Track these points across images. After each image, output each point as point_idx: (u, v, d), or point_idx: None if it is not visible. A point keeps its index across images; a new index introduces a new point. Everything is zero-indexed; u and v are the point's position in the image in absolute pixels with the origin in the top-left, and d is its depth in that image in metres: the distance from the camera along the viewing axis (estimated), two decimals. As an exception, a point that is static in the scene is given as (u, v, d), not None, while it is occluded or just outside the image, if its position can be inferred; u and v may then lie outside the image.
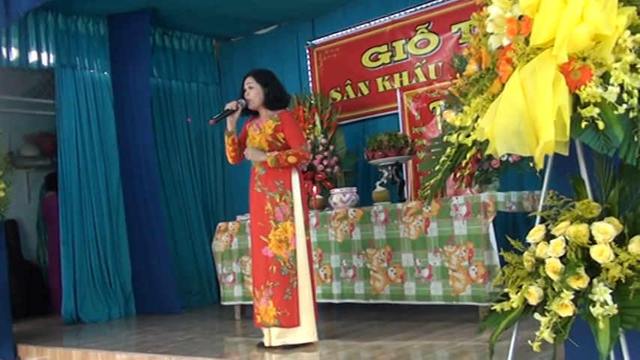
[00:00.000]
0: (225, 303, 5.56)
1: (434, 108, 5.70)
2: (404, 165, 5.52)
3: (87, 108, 6.49)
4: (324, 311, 5.29)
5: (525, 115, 1.99)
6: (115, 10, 6.48)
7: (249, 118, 4.24)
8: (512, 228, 4.98)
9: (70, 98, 6.41)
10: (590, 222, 2.03)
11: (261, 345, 4.10)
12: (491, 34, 2.25)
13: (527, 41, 2.09)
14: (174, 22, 6.96)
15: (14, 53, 6.14)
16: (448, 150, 2.34)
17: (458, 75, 2.47)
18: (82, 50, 6.53)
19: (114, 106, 6.66)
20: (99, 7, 6.38)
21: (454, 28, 5.73)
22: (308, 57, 6.81)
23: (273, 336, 4.01)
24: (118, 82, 6.67)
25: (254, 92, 4.11)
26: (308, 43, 6.79)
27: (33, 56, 6.25)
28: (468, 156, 2.26)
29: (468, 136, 2.26)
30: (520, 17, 2.12)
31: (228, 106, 4.09)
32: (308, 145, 4.10)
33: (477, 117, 2.24)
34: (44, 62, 6.33)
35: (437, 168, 2.36)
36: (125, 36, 6.60)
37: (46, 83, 7.52)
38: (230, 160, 4.26)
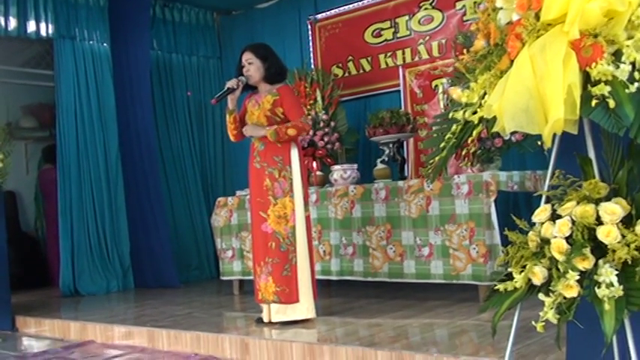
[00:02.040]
0: (224, 278, 5.56)
1: (436, 86, 5.65)
2: (405, 143, 5.48)
3: (86, 79, 6.43)
4: (323, 288, 5.28)
5: (534, 93, 1.95)
6: (115, -20, 6.41)
7: (247, 94, 4.18)
8: (512, 208, 4.95)
9: (68, 69, 6.35)
10: (597, 202, 1.99)
11: (260, 320, 4.10)
12: (501, 8, 2.20)
13: (537, 16, 2.04)
14: (175, -6, 6.89)
15: (12, 23, 6.06)
16: (454, 127, 2.30)
17: (465, 51, 2.41)
18: (82, 21, 6.45)
19: (113, 78, 6.60)
20: (99, -23, 6.31)
21: (458, 5, 5.67)
22: (310, 32, 6.75)
23: (273, 312, 4.01)
24: (118, 54, 6.61)
25: (254, 67, 4.05)
26: (310, 17, 6.72)
27: (31, 26, 6.17)
28: (474, 133, 2.22)
29: (475, 113, 2.22)
30: (531, -8, 2.07)
31: (228, 85, 4.03)
32: (308, 118, 4.04)
33: (484, 94, 2.19)
34: (43, 32, 6.25)
35: (442, 145, 2.32)
36: (125, 7, 6.53)
37: (45, 54, 7.44)
38: (232, 138, 4.22)
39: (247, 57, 4.07)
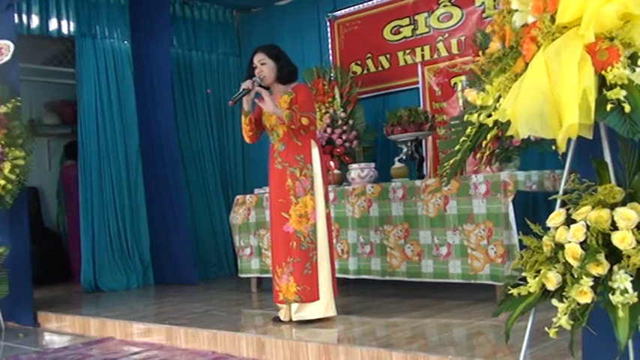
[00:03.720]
0: (243, 275, 5.58)
1: (455, 83, 5.62)
2: (424, 141, 5.46)
3: (107, 77, 6.49)
4: (341, 286, 5.24)
5: (549, 97, 1.93)
6: (135, -21, 6.45)
7: (261, 96, 4.18)
8: (532, 207, 4.93)
9: (90, 67, 6.40)
10: (612, 207, 1.98)
11: (277, 319, 4.11)
12: (516, 10, 2.19)
13: (553, 19, 2.03)
14: (195, -8, 6.92)
15: (35, 21, 6.13)
16: (468, 129, 2.29)
17: (480, 52, 2.40)
18: (103, 19, 6.50)
19: (134, 75, 6.65)
20: (119, -24, 6.36)
21: (478, 2, 5.62)
22: (329, 29, 6.73)
23: (293, 310, 4.01)
24: (138, 51, 6.66)
25: (267, 68, 4.05)
26: (329, 14, 6.70)
27: (53, 24, 6.24)
28: (489, 136, 2.21)
29: (490, 115, 2.21)
30: (546, -6, 2.06)
31: (244, 86, 4.03)
32: (314, 114, 4.05)
33: (499, 96, 2.18)
34: (64, 30, 6.32)
35: (456, 148, 2.32)
36: (146, 5, 6.57)
37: (67, 52, 7.53)
38: (247, 140, 4.22)
39: (260, 58, 4.07)
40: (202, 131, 7.13)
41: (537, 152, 4.65)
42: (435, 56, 5.95)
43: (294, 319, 4.00)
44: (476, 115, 2.26)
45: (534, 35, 2.06)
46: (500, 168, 4.38)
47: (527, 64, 2.07)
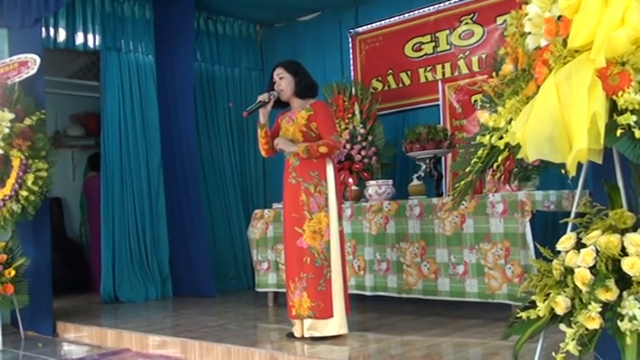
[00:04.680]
0: (260, 290, 5.60)
1: (475, 101, 5.60)
2: (442, 158, 5.45)
3: (130, 90, 6.58)
4: (357, 302, 5.28)
5: (559, 121, 1.93)
6: (160, -6, 6.55)
7: (280, 112, 4.22)
8: (551, 227, 4.87)
9: (114, 80, 6.50)
10: (622, 232, 1.96)
11: (291, 335, 4.11)
12: (529, 33, 2.19)
13: (565, 43, 2.03)
14: (219, 7, 7.00)
15: (62, 35, 6.24)
16: (480, 151, 2.29)
17: (494, 74, 2.40)
18: (128, 33, 6.61)
19: (157, 89, 6.74)
20: (145, -9, 6.47)
21: (499, 20, 5.62)
22: (350, 45, 6.76)
23: (306, 327, 4.01)
24: (162, 65, 6.74)
25: (285, 82, 4.09)
26: (351, 31, 6.74)
27: (79, 38, 6.35)
28: (500, 159, 2.20)
29: (501, 138, 2.21)
30: (559, 18, 2.06)
31: (260, 98, 4.07)
32: (339, 136, 4.06)
33: (511, 119, 2.18)
34: (90, 44, 6.42)
35: (468, 169, 2.32)
36: (170, 20, 6.66)
37: (92, 65, 7.66)
38: (263, 153, 4.25)
39: (278, 72, 4.11)
40: (223, 145, 7.18)
41: (557, 172, 4.60)
42: (456, 73, 5.95)
43: (306, 335, 4.00)
44: (488, 136, 2.26)
45: (546, 58, 2.06)
46: (519, 187, 4.36)
47: (538, 87, 2.07)
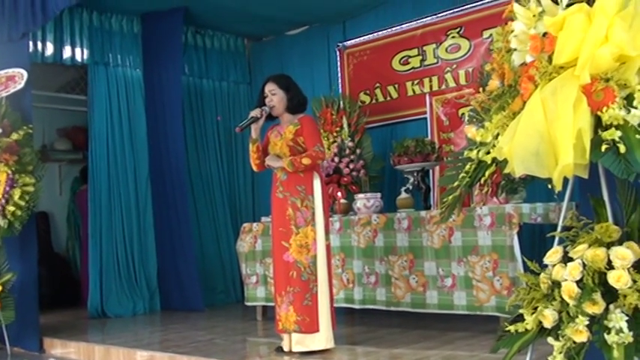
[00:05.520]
0: (249, 304, 5.58)
1: (463, 114, 5.64)
2: (430, 171, 5.48)
3: (118, 104, 6.56)
4: (346, 316, 5.28)
5: (545, 136, 1.95)
6: (148, 8, 6.54)
7: (270, 126, 4.24)
8: (538, 239, 4.92)
9: (102, 94, 6.48)
10: (608, 246, 1.98)
11: (280, 349, 4.11)
12: (515, 50, 2.22)
13: (550, 59, 2.05)
14: (207, 21, 7.01)
15: (49, 49, 6.22)
16: (467, 166, 2.31)
17: (480, 89, 2.43)
18: (115, 47, 6.60)
19: (145, 103, 6.73)
20: (133, 6, 6.46)
21: (485, 34, 5.67)
22: (338, 59, 6.80)
23: (293, 342, 4.01)
24: (150, 79, 6.74)
25: (277, 98, 4.10)
26: (339, 44, 6.78)
27: (67, 52, 6.33)
28: (487, 173, 2.22)
29: (488, 152, 2.23)
30: (544, 34, 2.09)
31: (252, 114, 4.08)
32: (322, 146, 4.07)
33: (498, 134, 2.20)
34: (78, 58, 6.40)
35: (456, 184, 2.34)
36: (158, 34, 6.66)
37: (79, 79, 7.64)
38: (255, 168, 4.26)
39: (270, 88, 4.12)
40: (212, 159, 7.18)
41: (544, 184, 4.63)
42: (443, 87, 6.00)
43: (293, 349, 4.00)
44: (475, 151, 2.29)
45: (532, 74, 2.08)
46: (506, 200, 4.39)
47: (524, 103, 2.09)
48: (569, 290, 1.96)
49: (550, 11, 2.05)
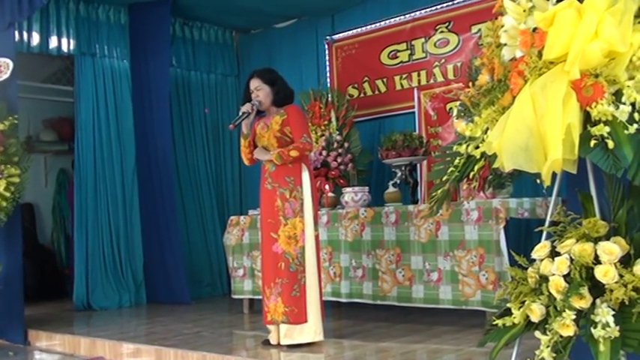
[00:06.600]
0: (235, 296, 5.58)
1: (451, 109, 5.66)
2: (418, 166, 5.49)
3: (105, 95, 6.52)
4: (333, 309, 5.29)
5: (534, 131, 1.96)
6: (136, -1, 6.51)
7: (256, 118, 4.23)
8: (525, 234, 4.93)
9: (88, 85, 6.44)
10: (596, 241, 2.00)
11: (267, 342, 4.10)
12: (505, 44, 2.22)
13: (540, 55, 2.06)
14: (195, 13, 6.98)
15: (35, 39, 6.17)
16: (456, 160, 2.31)
17: (470, 84, 2.43)
18: (102, 38, 6.55)
19: (132, 94, 6.69)
20: (120, -4, 6.43)
21: (474, 29, 5.69)
22: (327, 52, 6.79)
23: (282, 334, 4.01)
24: (137, 70, 6.70)
25: (263, 93, 4.09)
26: (327, 38, 6.77)
27: (53, 42, 6.28)
28: (476, 168, 2.23)
29: (477, 147, 2.24)
30: (534, 30, 2.09)
31: (243, 109, 4.07)
32: (309, 137, 4.06)
33: (487, 129, 2.21)
34: (64, 49, 6.36)
35: (444, 178, 2.34)
36: (145, 25, 6.62)
37: (66, 70, 7.58)
38: (246, 162, 4.25)
39: (255, 84, 4.10)
40: (199, 151, 7.15)
41: (531, 179, 4.66)
42: (432, 81, 6.01)
43: (281, 342, 4.00)
44: (464, 146, 2.29)
45: (522, 70, 2.08)
46: (493, 194, 4.40)
47: (514, 98, 2.09)
48: (557, 285, 1.98)
49: (540, 6, 2.05)
